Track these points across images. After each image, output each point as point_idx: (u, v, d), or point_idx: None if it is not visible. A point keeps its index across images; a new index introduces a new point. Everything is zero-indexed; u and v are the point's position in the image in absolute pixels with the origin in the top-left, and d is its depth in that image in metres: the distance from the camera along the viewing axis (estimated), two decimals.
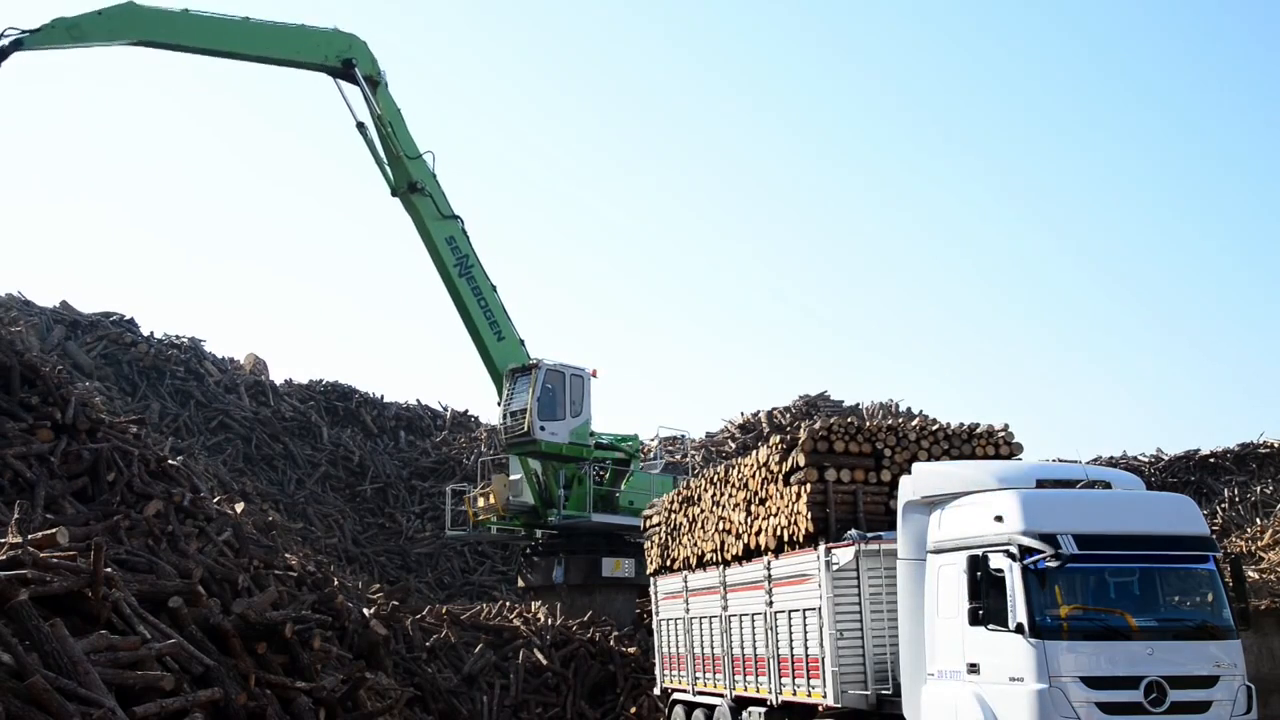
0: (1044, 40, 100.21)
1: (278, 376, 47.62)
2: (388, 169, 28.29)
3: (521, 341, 29.66)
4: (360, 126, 27.91)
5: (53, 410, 16.61)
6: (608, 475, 29.93)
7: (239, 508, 22.43)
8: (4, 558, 11.04)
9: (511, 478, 30.35)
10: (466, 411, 52.32)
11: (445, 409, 52.06)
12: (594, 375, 29.48)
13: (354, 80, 27.42)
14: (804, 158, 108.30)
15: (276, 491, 38.27)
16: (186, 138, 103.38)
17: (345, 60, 27.25)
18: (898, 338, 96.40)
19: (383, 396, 50.17)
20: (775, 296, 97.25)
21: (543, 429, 27.87)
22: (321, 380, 48.53)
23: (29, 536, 11.84)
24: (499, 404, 29.25)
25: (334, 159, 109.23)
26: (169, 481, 17.71)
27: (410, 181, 28.21)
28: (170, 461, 19.22)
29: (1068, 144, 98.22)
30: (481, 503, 30.09)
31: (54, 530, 12.20)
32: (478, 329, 28.95)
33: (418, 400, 51.53)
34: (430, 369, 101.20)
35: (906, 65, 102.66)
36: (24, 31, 20.98)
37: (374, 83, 27.75)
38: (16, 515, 12.84)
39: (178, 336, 44.35)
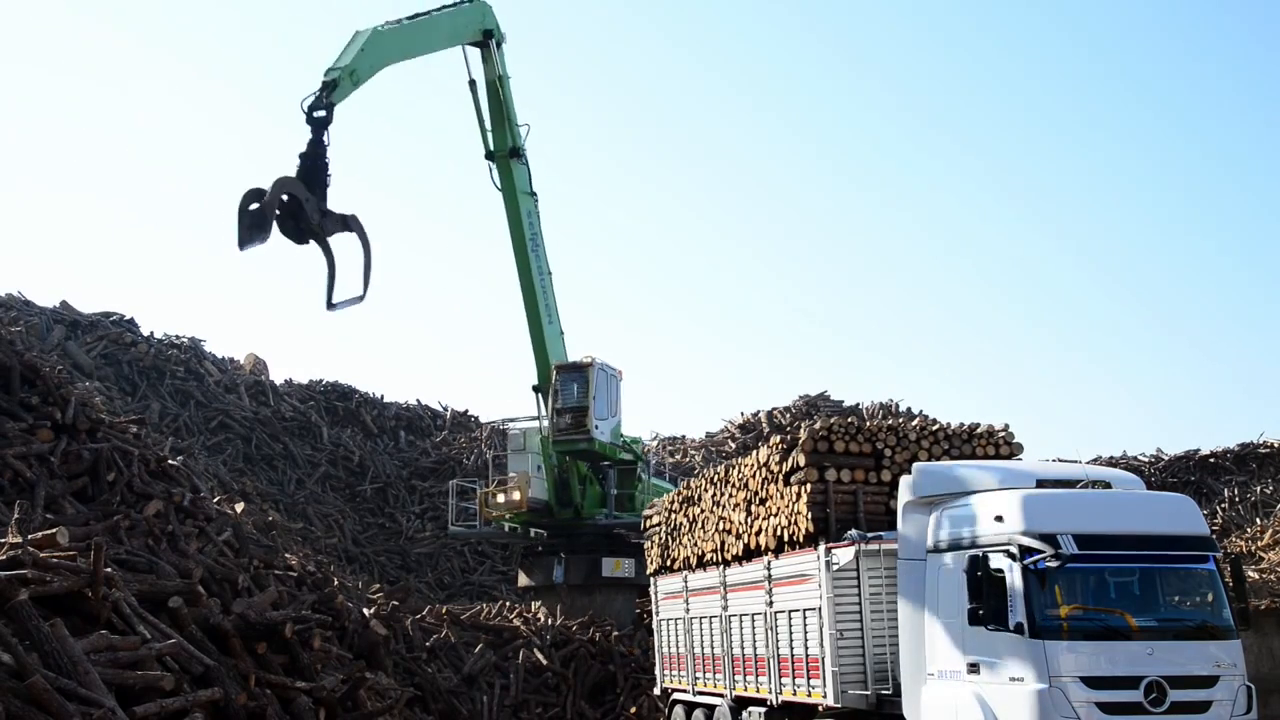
0: (1043, 40, 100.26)
1: (278, 376, 47.66)
2: (489, 132, 28.54)
3: (562, 332, 30.05)
4: (471, 84, 28.31)
5: (53, 410, 16.60)
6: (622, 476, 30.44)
7: (239, 508, 22.45)
8: (4, 558, 11.04)
9: (521, 475, 30.31)
10: (466, 411, 52.34)
11: (445, 409, 52.07)
12: (620, 376, 30.03)
13: (482, 44, 27.81)
14: (804, 158, 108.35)
15: (276, 491, 38.27)
16: (186, 136, 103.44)
17: (486, 31, 27.72)
18: (898, 338, 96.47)
19: (383, 396, 50.18)
20: (784, 302, 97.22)
21: (596, 428, 28.37)
22: (321, 380, 48.56)
23: (29, 536, 11.84)
24: (536, 387, 29.39)
25: (334, 157, 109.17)
26: (169, 481, 17.71)
27: (513, 146, 28.55)
28: (170, 461, 19.21)
29: (1067, 144, 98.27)
30: (501, 499, 29.94)
31: (54, 530, 12.20)
32: (536, 307, 29.07)
33: (418, 400, 51.57)
34: (430, 369, 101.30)
35: (905, 65, 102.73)
36: (326, 101, 20.82)
37: (498, 43, 28.24)
38: (16, 515, 12.84)
39: (178, 336, 44.37)
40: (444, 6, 26.24)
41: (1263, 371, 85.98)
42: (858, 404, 50.72)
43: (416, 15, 24.92)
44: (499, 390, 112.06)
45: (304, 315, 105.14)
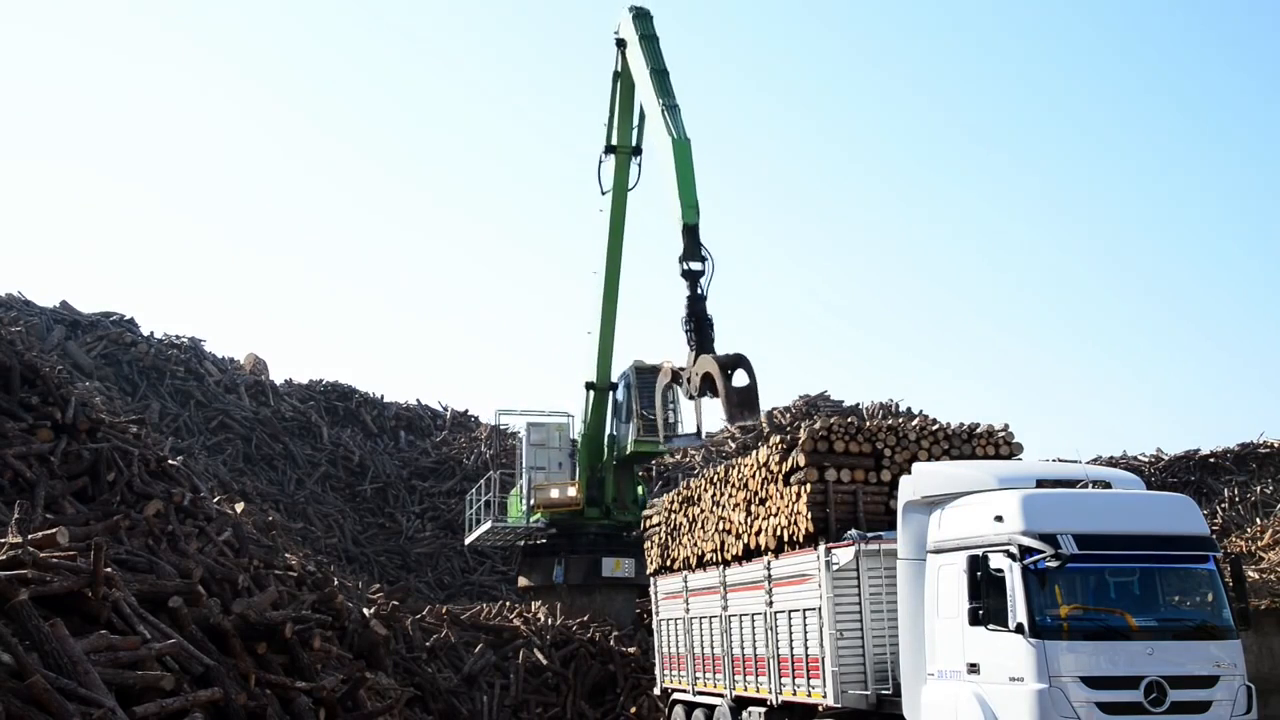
0: (1045, 35, 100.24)
1: (278, 376, 47.70)
2: (615, 128, 28.22)
3: None
4: (615, 75, 27.98)
5: (53, 410, 16.57)
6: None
7: (239, 508, 22.43)
8: (4, 558, 11.02)
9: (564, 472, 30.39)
10: (466, 411, 52.37)
11: (445, 409, 52.10)
12: None
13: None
14: (804, 159, 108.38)
15: (276, 491, 38.29)
16: (186, 138, 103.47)
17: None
18: (897, 338, 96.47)
19: (383, 396, 50.21)
20: (808, 297, 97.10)
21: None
22: (321, 380, 48.60)
23: (29, 536, 11.81)
24: (591, 385, 29.36)
25: (336, 158, 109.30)
26: (169, 481, 17.69)
27: (637, 144, 28.18)
28: (170, 461, 19.19)
29: (1067, 145, 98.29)
30: (556, 494, 29.88)
31: (54, 530, 12.17)
32: (614, 306, 28.98)
33: (418, 400, 51.61)
34: (430, 369, 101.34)
35: (905, 64, 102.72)
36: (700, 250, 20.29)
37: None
38: (16, 515, 12.80)
39: (178, 336, 44.41)
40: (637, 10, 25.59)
41: (1263, 371, 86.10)
42: (858, 404, 50.66)
43: (659, 69, 24.03)
44: (499, 390, 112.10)
45: (304, 315, 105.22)
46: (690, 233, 20.41)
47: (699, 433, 20.27)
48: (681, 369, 20.24)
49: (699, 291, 20.02)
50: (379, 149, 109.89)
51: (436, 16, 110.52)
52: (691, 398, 19.98)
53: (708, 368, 19.07)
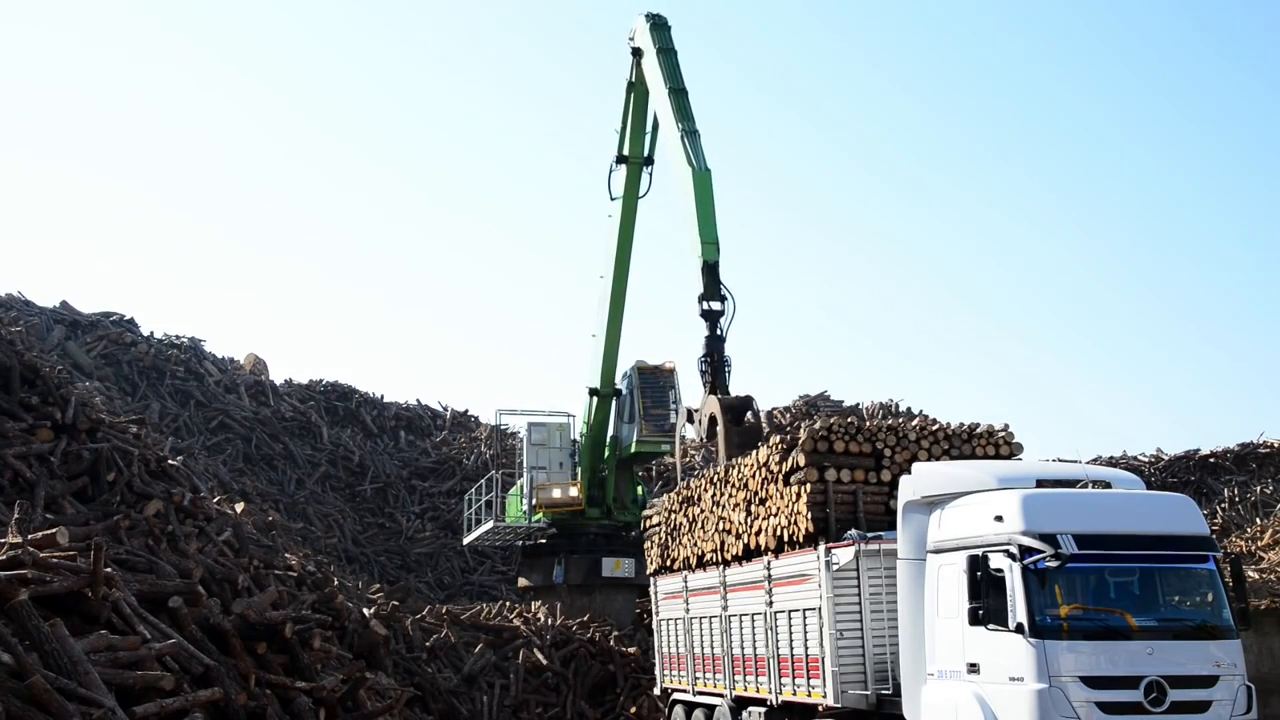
0: (1045, 35, 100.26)
1: (278, 376, 47.69)
2: (628, 138, 27.80)
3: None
4: (629, 86, 27.43)
5: (53, 410, 16.58)
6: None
7: (239, 508, 22.42)
8: (4, 558, 11.02)
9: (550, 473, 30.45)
10: (466, 411, 52.35)
11: (445, 409, 52.08)
12: None
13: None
14: (804, 159, 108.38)
15: (276, 491, 38.28)
16: (186, 138, 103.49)
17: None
18: (897, 338, 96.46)
19: (383, 396, 50.19)
20: (827, 305, 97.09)
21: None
22: (321, 380, 48.59)
23: (29, 536, 11.81)
24: (595, 390, 29.37)
25: (336, 158, 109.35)
26: (169, 481, 17.70)
27: (649, 154, 27.83)
28: (170, 461, 19.19)
29: (1067, 146, 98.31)
30: (558, 494, 29.96)
31: (54, 530, 12.17)
32: (621, 311, 28.91)
33: (418, 400, 51.60)
34: (430, 369, 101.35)
35: (906, 65, 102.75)
36: (718, 289, 19.72)
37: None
38: (16, 515, 12.81)
39: (178, 336, 44.41)
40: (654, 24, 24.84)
41: (1263, 371, 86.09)
42: (858, 404, 50.63)
43: (678, 89, 23.20)
44: (499, 390, 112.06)
45: (304, 315, 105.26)
46: (710, 271, 19.68)
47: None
48: (696, 410, 20.08)
49: (718, 333, 19.55)
50: (379, 149, 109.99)
51: (437, 17, 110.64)
52: (703, 439, 19.91)
53: (713, 409, 18.91)
